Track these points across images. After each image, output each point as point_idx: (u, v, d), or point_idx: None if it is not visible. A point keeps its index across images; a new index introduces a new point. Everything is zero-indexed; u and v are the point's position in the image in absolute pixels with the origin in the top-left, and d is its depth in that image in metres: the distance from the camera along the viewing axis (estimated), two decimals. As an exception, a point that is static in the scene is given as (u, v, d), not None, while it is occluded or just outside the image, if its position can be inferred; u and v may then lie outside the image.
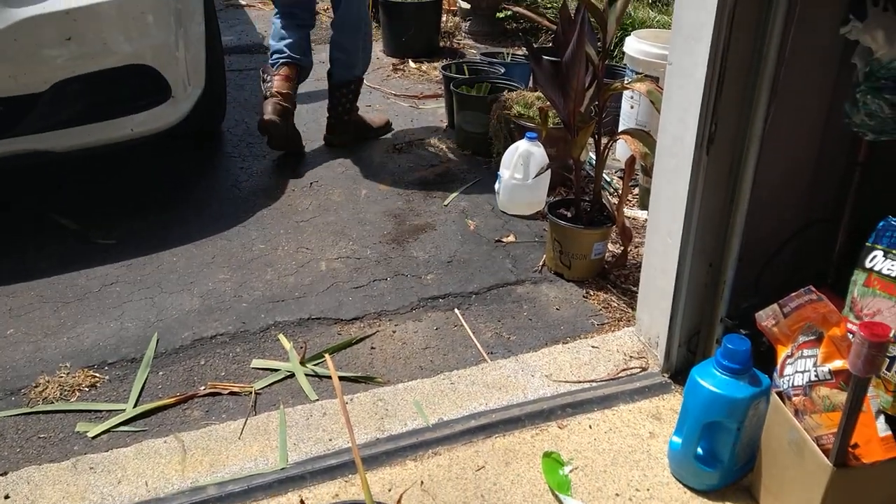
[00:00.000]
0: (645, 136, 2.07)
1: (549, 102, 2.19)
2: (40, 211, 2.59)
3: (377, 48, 4.38)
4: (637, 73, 2.85)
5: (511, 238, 2.48)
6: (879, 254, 1.39)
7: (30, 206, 2.63)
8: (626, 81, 2.89)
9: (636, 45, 2.85)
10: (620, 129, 2.96)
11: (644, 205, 2.65)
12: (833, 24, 1.52)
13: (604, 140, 2.21)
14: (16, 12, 2.09)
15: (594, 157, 2.58)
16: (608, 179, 2.82)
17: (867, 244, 1.41)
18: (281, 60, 3.00)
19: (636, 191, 2.76)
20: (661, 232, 1.74)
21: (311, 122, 3.36)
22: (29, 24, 2.10)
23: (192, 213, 2.59)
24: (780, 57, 1.49)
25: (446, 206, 2.69)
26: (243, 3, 5.37)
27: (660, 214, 1.74)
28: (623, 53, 3.02)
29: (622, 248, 2.25)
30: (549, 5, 4.69)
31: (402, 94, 3.78)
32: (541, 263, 2.33)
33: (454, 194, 2.76)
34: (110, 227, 2.48)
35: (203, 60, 2.67)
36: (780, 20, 1.45)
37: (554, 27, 2.16)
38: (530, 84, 3.49)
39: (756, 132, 1.54)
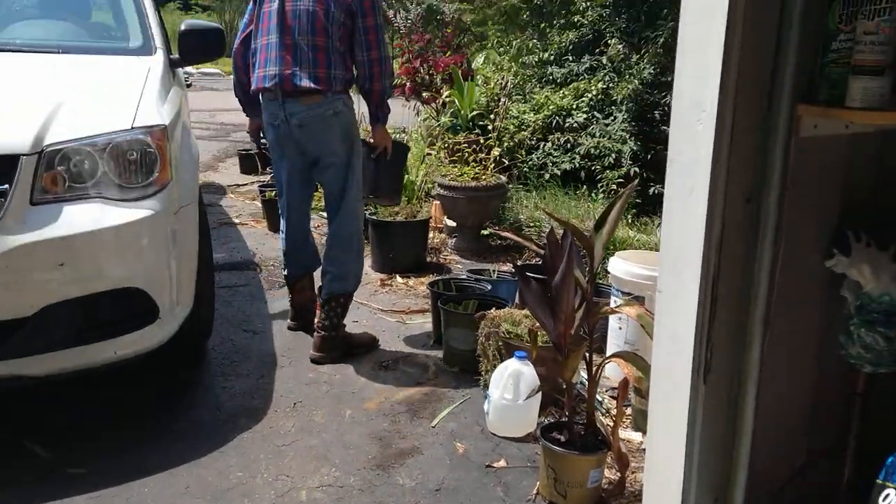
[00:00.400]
0: (637, 359, 2.05)
1: (538, 323, 2.19)
2: (10, 434, 2.46)
3: (366, 264, 4.47)
4: (622, 293, 2.89)
5: (502, 463, 2.37)
6: (892, 492, 1.32)
7: (0, 427, 2.52)
8: (613, 303, 2.94)
9: (621, 266, 2.92)
10: (609, 347, 2.96)
11: (638, 426, 2.58)
12: (820, 256, 1.56)
13: (595, 360, 2.19)
14: (10, 239, 2.12)
15: (585, 376, 2.54)
16: (599, 399, 2.76)
17: (878, 481, 1.34)
18: (293, 281, 3.38)
19: (628, 410, 2.69)
20: (661, 462, 1.66)
21: (297, 340, 3.33)
22: (23, 250, 2.12)
23: (168, 436, 2.48)
24: (770, 286, 1.51)
25: (434, 427, 2.60)
26: (236, 221, 5.55)
27: (658, 443, 1.67)
28: (607, 272, 3.09)
29: (619, 474, 2.15)
30: (531, 224, 4.88)
31: (390, 310, 3.80)
32: (534, 492, 2.21)
33: (442, 414, 2.68)
34: (82, 453, 2.36)
35: (193, 280, 2.69)
36: (767, 251, 1.49)
37: (541, 251, 2.21)
38: (516, 300, 3.53)
39: (753, 361, 1.52)
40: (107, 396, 2.76)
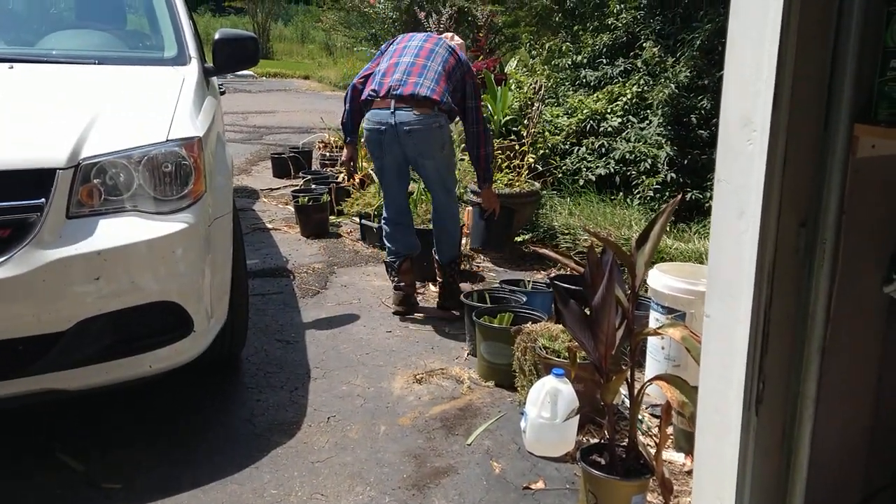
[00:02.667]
0: (682, 384, 1.99)
1: (577, 343, 2.14)
2: (45, 446, 2.47)
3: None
4: (662, 307, 2.82)
5: (540, 484, 2.32)
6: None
7: (34, 438, 2.51)
8: (653, 318, 2.87)
9: (660, 279, 2.84)
10: (649, 363, 2.89)
11: (680, 447, 2.51)
12: (877, 282, 1.49)
13: (637, 382, 2.13)
14: (47, 253, 2.12)
15: (625, 394, 2.48)
16: (639, 418, 2.69)
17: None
18: (398, 261, 3.78)
19: (670, 430, 2.62)
20: (710, 496, 1.60)
21: (331, 350, 3.31)
22: (59, 264, 2.12)
23: (202, 451, 2.47)
24: (827, 314, 1.44)
25: (469, 445, 2.55)
26: (269, 226, 5.55)
27: (707, 478, 1.61)
28: (645, 285, 3.01)
29: (663, 500, 2.09)
30: (565, 231, 4.80)
31: (423, 319, 3.76)
32: (574, 515, 2.15)
33: (477, 431, 2.63)
34: (115, 466, 2.36)
35: (227, 291, 2.67)
36: (824, 278, 1.42)
37: (581, 269, 2.15)
38: (552, 313, 3.47)
39: (809, 392, 1.45)
40: (138, 408, 2.76)
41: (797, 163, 1.43)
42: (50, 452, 2.43)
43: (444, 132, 3.54)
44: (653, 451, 2.28)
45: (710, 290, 1.63)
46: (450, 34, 3.97)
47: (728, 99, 1.48)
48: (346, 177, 4.27)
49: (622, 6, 6.70)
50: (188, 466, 2.37)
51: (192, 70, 3.07)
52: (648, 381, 2.13)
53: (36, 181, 2.17)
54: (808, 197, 1.45)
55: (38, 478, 2.30)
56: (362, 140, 3.86)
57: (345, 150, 4.11)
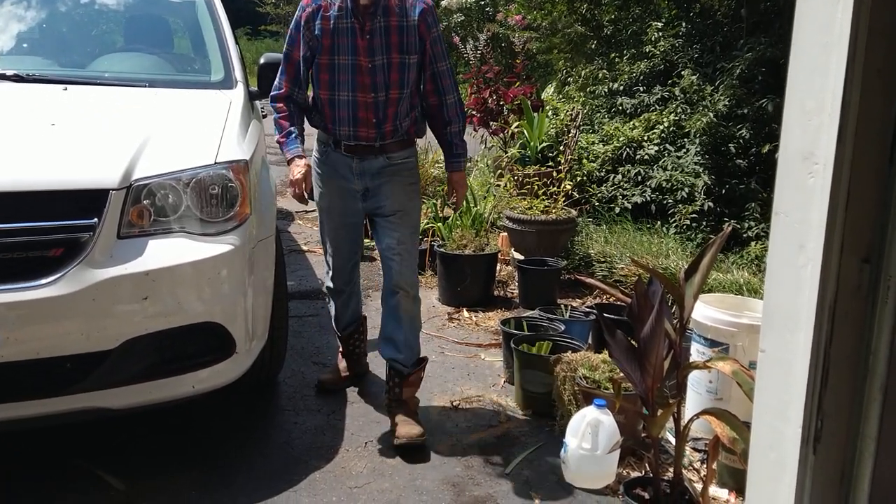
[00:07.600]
0: (731, 418, 1.95)
1: (623, 375, 2.11)
2: (86, 465, 2.48)
3: (433, 296, 4.45)
4: (704, 339, 2.78)
5: (581, 517, 2.29)
6: None
7: (75, 456, 2.53)
8: (695, 349, 2.83)
9: (703, 311, 2.80)
10: (690, 395, 2.84)
11: (724, 483, 2.45)
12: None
13: (683, 417, 2.09)
14: (98, 273, 2.15)
15: (668, 429, 2.44)
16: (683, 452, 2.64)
17: None
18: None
19: (714, 465, 2.56)
20: (764, 535, 1.56)
21: (367, 374, 3.30)
22: (109, 283, 2.15)
23: (241, 474, 2.47)
24: (890, 353, 1.41)
25: (508, 474, 2.52)
26: (304, 248, 5.59)
27: (762, 515, 1.57)
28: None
29: (708, 537, 2.04)
30: (601, 259, 4.77)
31: (459, 344, 3.75)
32: (617, 551, 2.11)
33: (516, 461, 2.60)
34: (155, 487, 2.37)
35: (268, 313, 2.68)
36: (888, 315, 1.39)
37: (628, 300, 2.13)
38: (589, 341, 3.44)
39: (870, 432, 1.41)
40: (177, 430, 2.77)
41: (860, 197, 1.40)
42: (91, 472, 2.45)
43: None
44: (696, 486, 2.24)
45: (766, 324, 1.59)
46: None
47: (788, 131, 1.45)
48: None
49: (660, 34, 6.70)
50: (228, 488, 2.38)
51: (238, 94, 3.12)
52: (696, 415, 2.09)
53: (89, 201, 2.21)
54: (871, 232, 1.42)
55: (80, 497, 2.31)
56: None
57: None
